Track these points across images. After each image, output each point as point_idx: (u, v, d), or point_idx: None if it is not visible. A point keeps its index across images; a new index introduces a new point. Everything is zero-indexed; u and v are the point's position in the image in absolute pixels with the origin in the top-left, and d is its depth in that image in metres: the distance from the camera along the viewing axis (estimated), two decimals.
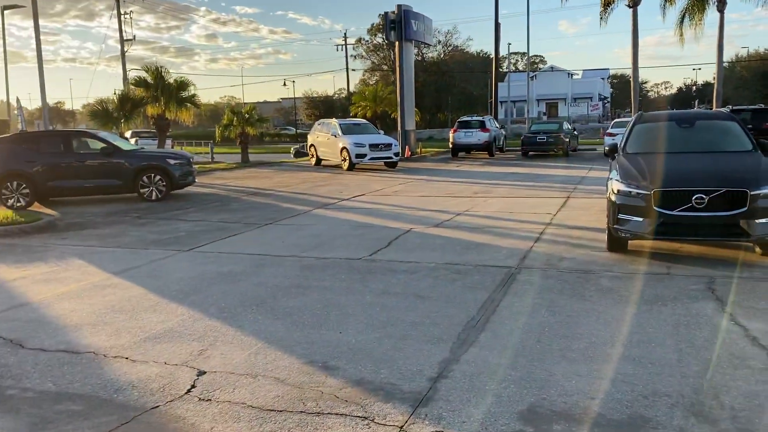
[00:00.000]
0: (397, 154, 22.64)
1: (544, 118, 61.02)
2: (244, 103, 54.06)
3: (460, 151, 28.29)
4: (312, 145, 25.17)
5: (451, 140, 28.30)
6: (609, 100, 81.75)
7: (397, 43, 28.31)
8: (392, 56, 50.88)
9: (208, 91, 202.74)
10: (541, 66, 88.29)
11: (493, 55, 38.67)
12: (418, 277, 6.65)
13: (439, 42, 64.68)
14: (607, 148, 8.84)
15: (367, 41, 65.12)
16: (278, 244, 8.74)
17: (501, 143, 29.94)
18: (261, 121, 28.54)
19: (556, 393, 3.78)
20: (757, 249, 7.02)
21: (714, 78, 29.96)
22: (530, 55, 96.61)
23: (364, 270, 7.02)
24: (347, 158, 21.92)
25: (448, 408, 3.65)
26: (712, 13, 28.34)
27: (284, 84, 75.22)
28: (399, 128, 29.00)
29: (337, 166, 23.09)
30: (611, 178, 7.35)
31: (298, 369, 4.30)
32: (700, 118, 8.62)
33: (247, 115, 26.64)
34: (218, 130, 27.50)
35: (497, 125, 30.75)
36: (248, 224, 10.53)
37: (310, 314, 5.49)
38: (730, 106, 24.04)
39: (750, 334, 4.66)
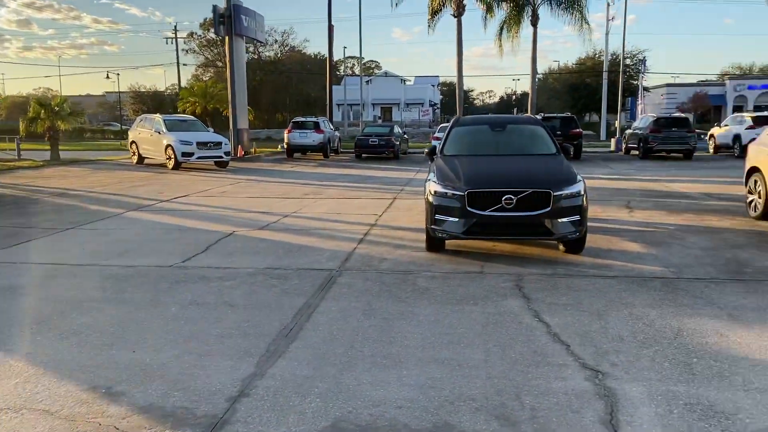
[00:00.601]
0: (227, 153, 21.75)
1: (380, 121, 62.65)
2: (60, 96, 49.23)
3: (295, 151, 27.95)
4: (133, 141, 23.40)
5: (285, 141, 27.87)
6: (439, 106, 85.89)
7: (227, 38, 27.28)
8: (224, 52, 49.17)
9: (20, 82, 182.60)
10: (376, 71, 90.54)
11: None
12: (234, 284, 6.21)
13: (276, 41, 63.84)
14: (427, 150, 9.01)
15: (200, 36, 62.48)
16: (77, 252, 7.81)
17: (336, 145, 30.06)
18: (75, 115, 25.98)
19: (363, 404, 3.60)
20: (561, 246, 7.48)
21: (530, 88, 32.50)
22: (366, 60, 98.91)
23: (173, 279, 6.43)
24: (172, 157, 20.63)
25: (244, 431, 3.31)
26: (527, 28, 30.78)
27: (107, 76, 69.49)
28: (231, 126, 27.97)
29: (163, 165, 21.67)
30: (429, 180, 7.44)
31: (75, 398, 3.71)
32: (510, 122, 9.10)
33: (56, 108, 24.12)
34: (22, 124, 24.62)
35: (332, 127, 30.82)
36: (46, 229, 9.35)
37: (102, 332, 4.85)
38: (543, 114, 26.24)
39: (552, 330, 4.84)
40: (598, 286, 6.01)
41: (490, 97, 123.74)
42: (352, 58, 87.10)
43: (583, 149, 28.40)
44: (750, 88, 59.38)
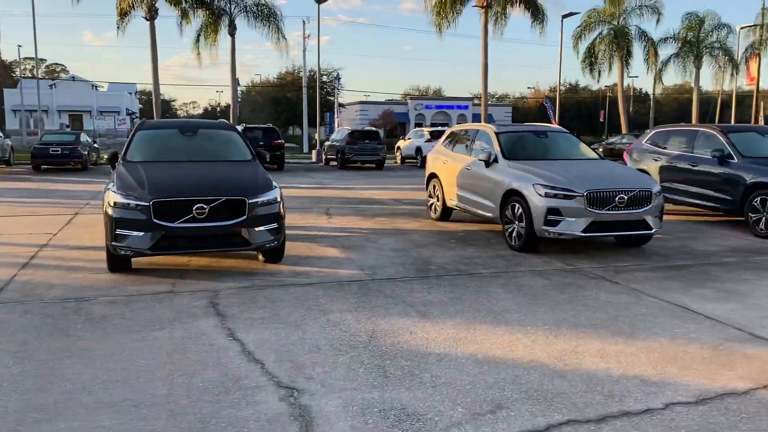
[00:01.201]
0: None
1: (68, 129, 55.89)
2: None
3: None
4: None
5: None
6: (137, 115, 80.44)
7: None
8: None
9: None
10: (62, 75, 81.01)
11: None
12: None
13: None
14: (105, 156, 7.93)
15: None
16: None
17: (8, 156, 25.72)
18: None
19: None
20: (260, 257, 7.16)
21: (231, 99, 32.09)
22: (50, 63, 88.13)
23: None
24: None
25: None
26: (227, 38, 30.26)
27: None
28: None
29: None
30: (108, 189, 6.48)
31: None
32: (202, 127, 8.53)
33: None
34: None
35: (1, 135, 26.32)
36: None
37: None
38: (245, 125, 26.03)
39: (247, 348, 4.43)
40: (297, 295, 5.81)
41: (194, 108, 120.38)
42: (30, 59, 76.60)
43: (287, 160, 28.99)
44: (427, 107, 67.68)
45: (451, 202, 10.07)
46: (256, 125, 26.55)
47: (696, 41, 36.63)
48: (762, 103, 36.50)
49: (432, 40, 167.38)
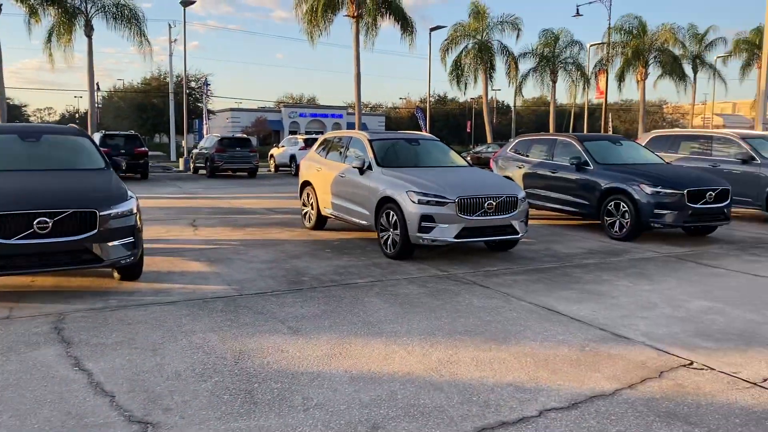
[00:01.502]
0: None
1: None
2: None
3: None
4: None
5: None
6: None
7: None
8: None
9: None
10: None
11: None
12: None
13: None
14: None
15: None
16: None
17: None
18: None
19: None
20: (116, 274, 6.53)
21: (89, 104, 29.85)
22: None
23: None
24: None
25: None
26: (83, 39, 28.10)
27: None
28: None
29: None
30: None
31: None
32: (47, 132, 7.68)
33: None
34: None
35: None
36: None
37: None
38: (104, 131, 24.29)
39: (95, 379, 3.93)
40: (156, 315, 5.31)
41: (49, 114, 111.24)
42: None
43: (153, 170, 27.43)
44: (301, 115, 67.22)
45: (326, 211, 9.85)
46: (117, 132, 24.91)
47: (552, 57, 39.23)
48: (610, 114, 39.74)
49: (305, 48, 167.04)
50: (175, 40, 40.36)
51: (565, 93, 41.95)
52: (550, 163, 11.15)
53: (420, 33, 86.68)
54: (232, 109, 66.95)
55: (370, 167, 8.66)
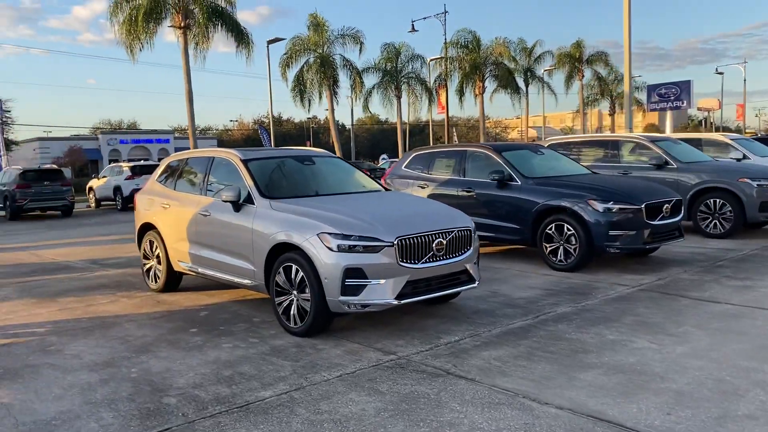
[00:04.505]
0: None
1: None
2: None
3: None
4: None
5: None
6: None
7: None
8: None
9: None
10: None
11: None
12: None
13: None
14: None
15: None
16: None
17: None
18: None
19: None
20: None
21: None
22: None
23: None
24: None
25: None
26: None
27: None
28: None
29: None
30: None
31: None
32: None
33: None
34: None
35: None
36: None
37: None
38: None
39: None
40: None
41: None
42: None
43: None
44: (122, 142, 60.62)
45: (182, 265, 6.88)
46: None
47: (395, 71, 38.24)
48: (454, 129, 39.65)
49: (122, 70, 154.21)
50: None
51: (409, 108, 40.99)
52: (463, 180, 9.06)
53: (259, 47, 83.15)
54: (40, 139, 58.69)
55: (249, 200, 5.92)
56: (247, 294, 6.88)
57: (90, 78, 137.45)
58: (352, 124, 66.03)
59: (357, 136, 73.92)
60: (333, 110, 35.90)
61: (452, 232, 5.41)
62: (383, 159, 40.78)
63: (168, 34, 35.49)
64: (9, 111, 43.92)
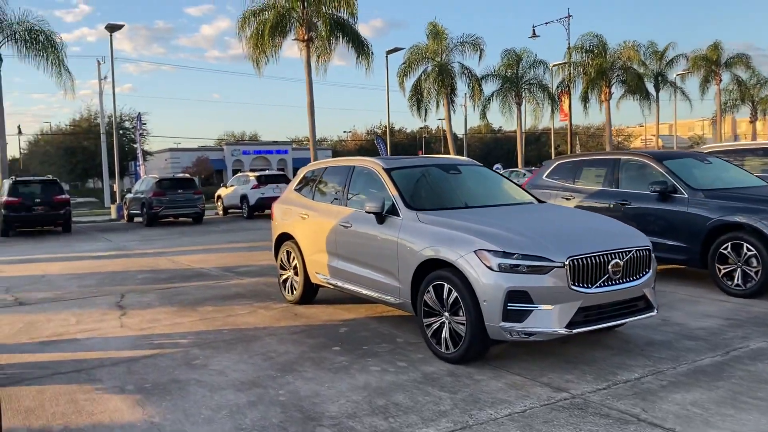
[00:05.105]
0: None
1: None
2: None
3: None
4: None
5: None
6: None
7: None
8: None
9: None
10: None
11: None
12: None
13: None
14: None
15: None
16: None
17: None
18: None
19: None
20: None
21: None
22: None
23: None
24: None
25: None
26: None
27: None
28: None
29: None
30: None
31: None
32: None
33: None
34: None
35: None
36: None
37: None
38: (14, 177, 20.35)
39: None
40: None
41: None
42: None
43: (78, 219, 23.55)
44: (244, 153, 63.46)
45: (320, 277, 6.61)
46: (31, 178, 20.95)
47: (516, 78, 37.15)
48: (577, 138, 37.89)
49: (245, 84, 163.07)
50: (105, 77, 36.38)
51: (529, 115, 39.68)
52: (616, 192, 8.21)
53: (378, 57, 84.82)
54: (171, 149, 62.75)
55: (393, 211, 5.52)
56: (384, 310, 6.50)
57: (215, 92, 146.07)
58: (465, 133, 65.24)
59: (469, 145, 72.95)
60: (450, 119, 35.40)
61: (630, 251, 4.71)
62: (497, 168, 39.76)
63: (287, 49, 36.52)
64: (145, 123, 47.17)
